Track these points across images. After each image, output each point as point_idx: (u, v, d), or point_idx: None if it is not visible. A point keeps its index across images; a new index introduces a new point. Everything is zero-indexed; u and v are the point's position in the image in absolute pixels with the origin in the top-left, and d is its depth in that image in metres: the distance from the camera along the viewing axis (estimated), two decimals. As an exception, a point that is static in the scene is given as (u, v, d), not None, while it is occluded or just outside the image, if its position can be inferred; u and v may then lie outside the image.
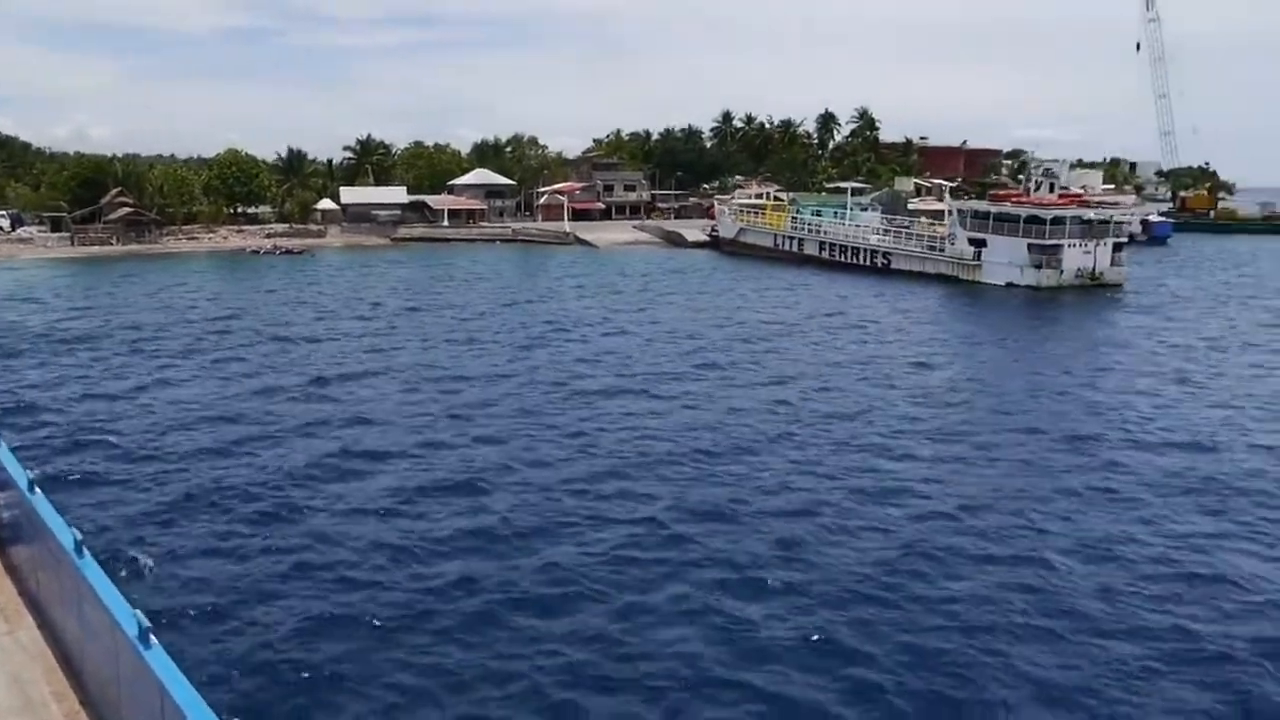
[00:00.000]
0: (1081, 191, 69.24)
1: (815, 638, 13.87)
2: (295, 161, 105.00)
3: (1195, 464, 22.28)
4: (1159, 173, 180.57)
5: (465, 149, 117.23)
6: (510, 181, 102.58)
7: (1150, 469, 21.89)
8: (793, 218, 77.57)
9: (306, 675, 12.65)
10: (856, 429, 25.28)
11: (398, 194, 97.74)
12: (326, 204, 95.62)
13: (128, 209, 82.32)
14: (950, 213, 65.06)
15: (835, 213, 78.96)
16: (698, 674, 12.85)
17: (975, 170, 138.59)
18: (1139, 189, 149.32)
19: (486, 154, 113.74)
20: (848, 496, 19.92)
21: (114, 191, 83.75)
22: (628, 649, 13.45)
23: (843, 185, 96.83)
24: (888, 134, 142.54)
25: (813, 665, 13.13)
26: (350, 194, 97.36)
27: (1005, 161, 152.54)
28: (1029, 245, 57.60)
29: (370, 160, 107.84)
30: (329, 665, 12.86)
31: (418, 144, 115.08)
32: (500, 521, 18.20)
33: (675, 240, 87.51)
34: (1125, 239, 61.30)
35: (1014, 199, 62.05)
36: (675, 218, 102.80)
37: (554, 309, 48.51)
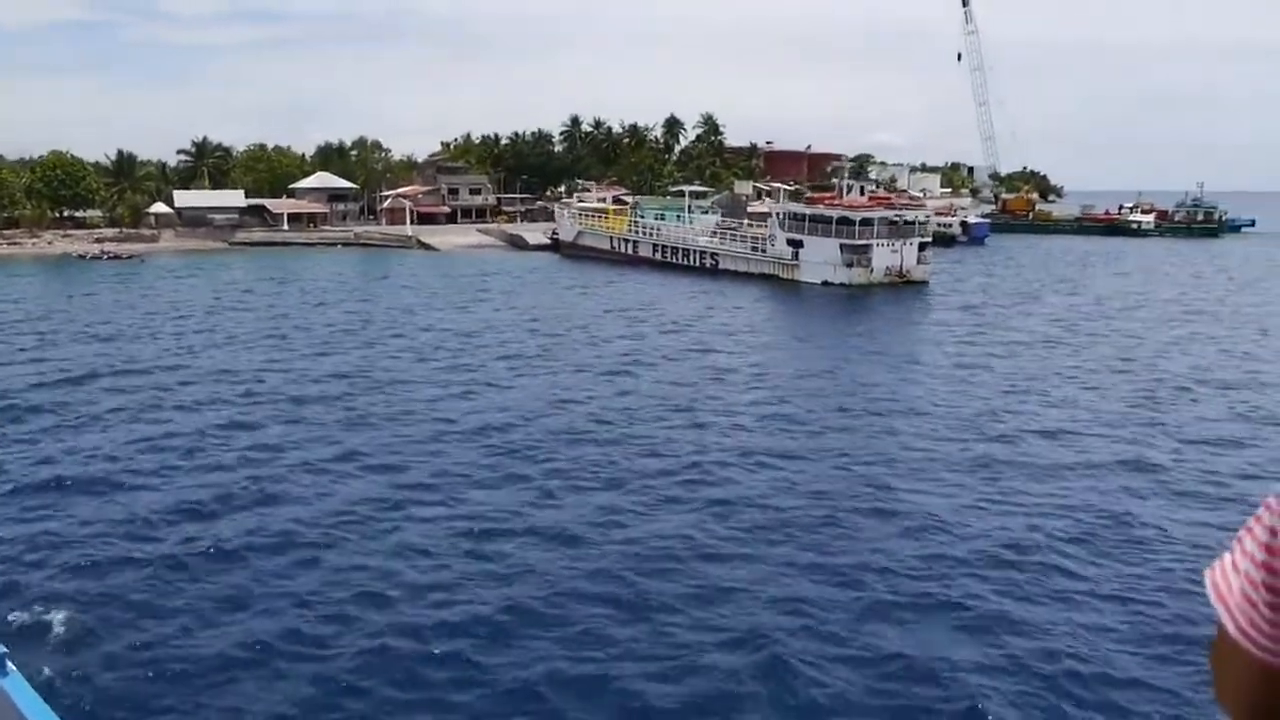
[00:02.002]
0: (890, 194, 73.31)
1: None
2: (126, 164, 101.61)
3: (972, 441, 24.61)
4: (994, 176, 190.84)
5: (316, 151, 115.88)
6: (353, 185, 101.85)
7: (934, 446, 24.09)
8: (632, 221, 79.74)
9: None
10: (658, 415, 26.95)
11: (235, 197, 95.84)
12: (160, 208, 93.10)
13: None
14: (770, 215, 68.08)
15: (677, 216, 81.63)
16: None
17: (818, 174, 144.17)
18: (974, 192, 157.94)
19: (330, 157, 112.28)
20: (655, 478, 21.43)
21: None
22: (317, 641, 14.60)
23: (686, 189, 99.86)
24: (735, 139, 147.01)
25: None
26: (185, 197, 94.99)
27: (848, 166, 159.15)
28: (841, 245, 60.92)
29: (207, 163, 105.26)
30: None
31: (259, 146, 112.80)
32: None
33: (518, 243, 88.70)
34: (929, 239, 65.25)
35: (827, 201, 65.46)
36: (522, 221, 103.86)
37: (369, 308, 49.11)
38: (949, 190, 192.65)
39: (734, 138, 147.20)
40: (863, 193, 66.20)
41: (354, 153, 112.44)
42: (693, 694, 12.31)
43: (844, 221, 61.40)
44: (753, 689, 12.40)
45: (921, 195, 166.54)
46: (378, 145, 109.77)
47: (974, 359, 36.83)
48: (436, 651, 13.33)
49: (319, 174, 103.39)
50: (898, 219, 63.07)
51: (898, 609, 14.77)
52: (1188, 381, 32.30)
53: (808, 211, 63.93)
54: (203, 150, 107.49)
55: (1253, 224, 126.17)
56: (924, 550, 17.08)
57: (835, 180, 74.24)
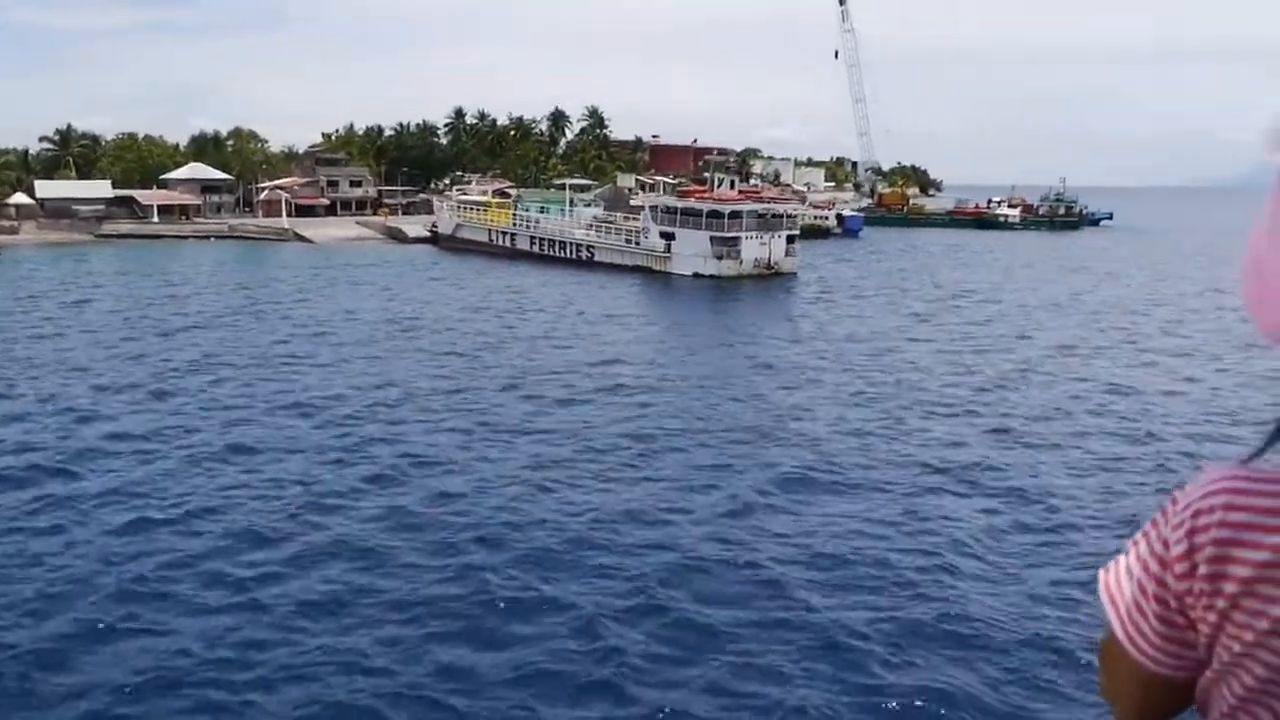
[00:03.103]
0: (759, 189, 75.16)
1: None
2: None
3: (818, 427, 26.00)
4: (877, 171, 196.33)
5: (190, 141, 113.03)
6: (228, 176, 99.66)
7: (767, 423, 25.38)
8: (515, 215, 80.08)
9: None
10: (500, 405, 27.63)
11: (102, 188, 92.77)
12: (20, 199, 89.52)
13: None
14: (644, 208, 69.31)
15: (560, 209, 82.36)
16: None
17: (704, 168, 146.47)
18: (857, 186, 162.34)
19: (205, 147, 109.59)
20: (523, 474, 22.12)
21: None
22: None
23: (571, 182, 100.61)
24: (623, 133, 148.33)
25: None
26: (47, 188, 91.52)
27: (716, 160, 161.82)
28: (711, 238, 62.48)
29: (73, 151, 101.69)
30: None
31: (129, 136, 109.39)
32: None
33: (397, 236, 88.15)
34: (797, 232, 67.31)
35: (698, 195, 67.00)
36: (404, 213, 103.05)
37: (225, 300, 48.63)
38: (833, 184, 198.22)
39: (622, 132, 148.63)
40: (733, 186, 67.91)
41: (230, 143, 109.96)
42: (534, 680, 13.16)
43: (714, 215, 62.96)
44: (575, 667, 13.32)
45: (806, 189, 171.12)
46: (254, 135, 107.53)
47: (820, 343, 38.69)
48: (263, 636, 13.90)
49: (192, 165, 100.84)
50: (766, 212, 64.92)
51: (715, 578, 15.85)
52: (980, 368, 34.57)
53: (679, 205, 65.32)
54: (67, 138, 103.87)
55: (1110, 217, 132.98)
56: (746, 524, 18.26)
57: (705, 174, 75.79)
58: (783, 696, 12.13)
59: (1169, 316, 47.94)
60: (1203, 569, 0.98)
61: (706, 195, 66.53)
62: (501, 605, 14.54)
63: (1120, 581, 1.08)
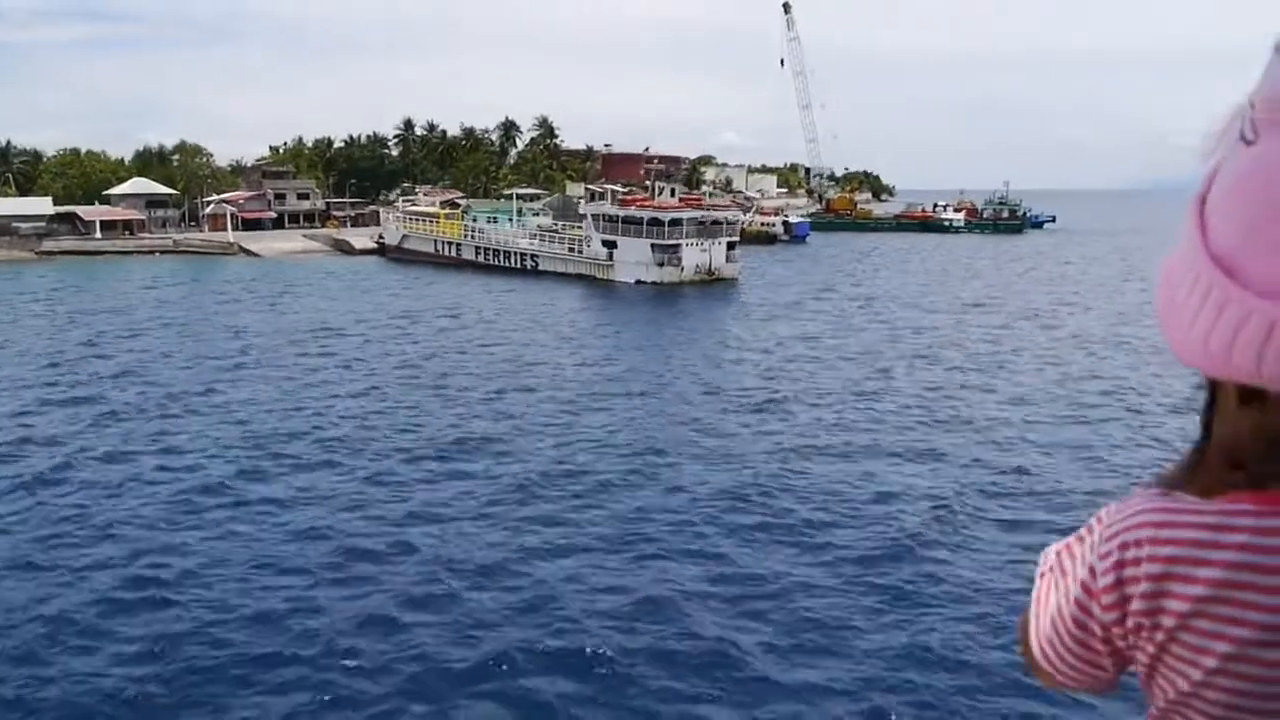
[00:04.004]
0: (699, 196, 76.08)
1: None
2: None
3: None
4: (830, 177, 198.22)
5: (135, 156, 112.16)
6: (173, 191, 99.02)
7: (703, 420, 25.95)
8: (465, 225, 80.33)
9: None
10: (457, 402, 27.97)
11: (42, 204, 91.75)
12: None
13: None
14: (586, 217, 69.93)
15: (509, 219, 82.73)
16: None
17: (665, 176, 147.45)
18: (810, 192, 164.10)
19: (150, 162, 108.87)
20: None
21: None
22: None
23: (519, 192, 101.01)
24: (575, 141, 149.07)
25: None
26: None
27: (685, 168, 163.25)
28: (652, 245, 63.18)
29: (12, 168, 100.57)
30: None
31: (72, 151, 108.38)
32: None
33: (344, 248, 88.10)
34: (737, 238, 68.15)
35: (639, 203, 67.68)
36: (353, 225, 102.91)
37: (156, 313, 48.58)
38: (785, 190, 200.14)
39: (575, 141, 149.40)
40: (673, 194, 68.72)
41: (175, 157, 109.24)
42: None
43: (654, 222, 63.66)
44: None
45: (759, 196, 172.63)
46: (198, 149, 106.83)
47: (755, 345, 39.59)
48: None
49: (136, 180, 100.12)
50: (706, 219, 65.75)
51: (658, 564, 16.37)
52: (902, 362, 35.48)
53: (620, 213, 65.94)
54: (7, 154, 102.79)
55: (1053, 220, 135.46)
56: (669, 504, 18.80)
57: (647, 183, 76.50)
58: None
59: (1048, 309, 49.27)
60: (1136, 604, 0.96)
61: (647, 203, 67.24)
62: (430, 607, 14.87)
63: (1049, 592, 1.08)
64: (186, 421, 26.86)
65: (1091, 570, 0.99)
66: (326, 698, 12.30)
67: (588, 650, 13.47)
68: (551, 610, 14.74)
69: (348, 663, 13.11)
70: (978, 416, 27.27)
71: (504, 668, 13.05)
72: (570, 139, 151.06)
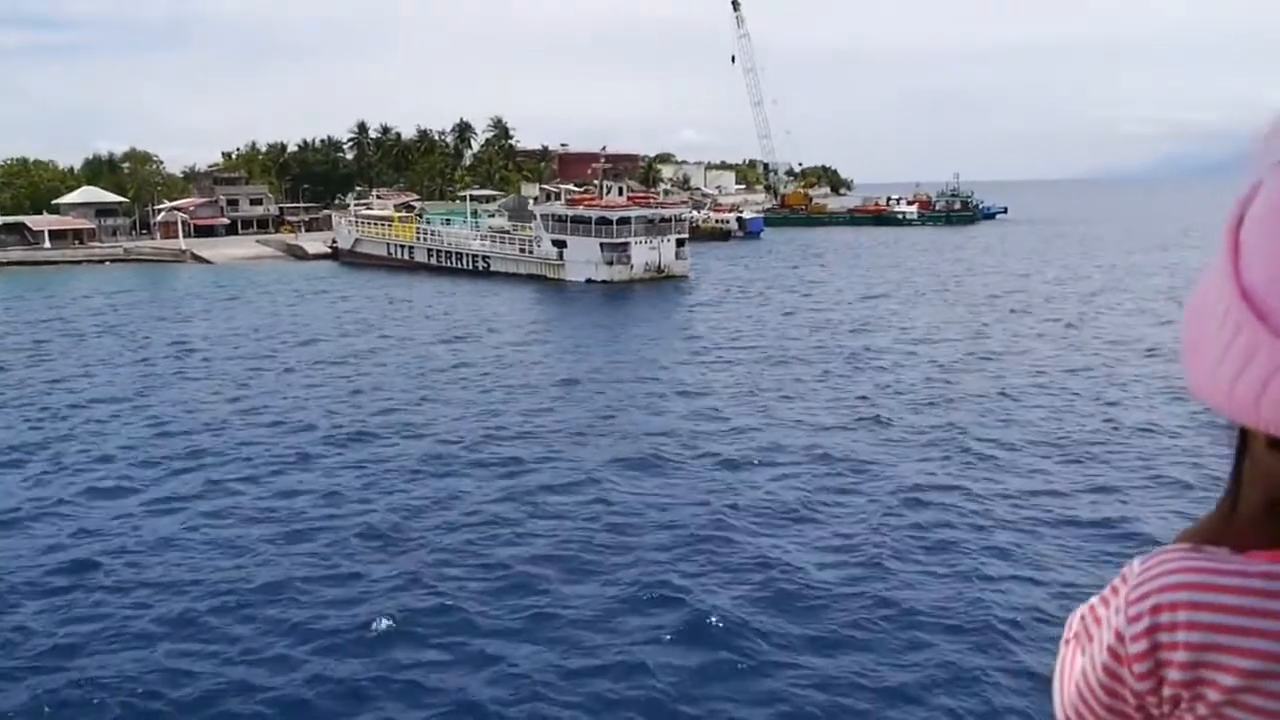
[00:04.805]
0: (648, 194, 76.81)
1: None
2: None
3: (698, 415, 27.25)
4: (789, 172, 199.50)
5: (84, 164, 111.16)
6: (124, 199, 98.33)
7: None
8: (419, 228, 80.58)
9: None
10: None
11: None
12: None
13: None
14: (536, 218, 70.46)
15: (464, 220, 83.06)
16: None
17: (613, 175, 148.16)
18: (769, 188, 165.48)
19: (100, 170, 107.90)
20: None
21: None
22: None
23: (473, 193, 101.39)
24: (532, 141, 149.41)
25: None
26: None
27: (641, 166, 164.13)
28: (601, 244, 63.82)
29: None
30: None
31: (19, 160, 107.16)
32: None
33: (297, 253, 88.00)
34: (686, 235, 68.82)
35: (587, 203, 68.32)
36: (307, 230, 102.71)
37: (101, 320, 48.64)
38: (744, 187, 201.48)
39: (533, 141, 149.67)
40: (622, 193, 69.40)
41: (126, 165, 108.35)
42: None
43: (603, 221, 64.30)
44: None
45: (717, 192, 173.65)
46: (148, 157, 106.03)
47: (703, 342, 40.47)
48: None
49: (85, 188, 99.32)
50: (654, 217, 66.49)
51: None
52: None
53: (569, 213, 66.55)
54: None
55: (1005, 211, 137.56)
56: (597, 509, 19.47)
57: (595, 182, 77.05)
58: None
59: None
60: (1174, 674, 0.88)
61: (595, 203, 67.86)
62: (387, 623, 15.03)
63: (1070, 663, 1.01)
64: (115, 425, 27.27)
65: (1119, 635, 0.90)
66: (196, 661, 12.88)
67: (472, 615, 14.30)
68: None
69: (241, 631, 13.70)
70: (900, 402, 28.18)
71: (378, 630, 13.93)
72: (530, 139, 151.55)
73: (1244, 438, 0.90)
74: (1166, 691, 0.89)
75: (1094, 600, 0.98)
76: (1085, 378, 31.02)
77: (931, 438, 24.22)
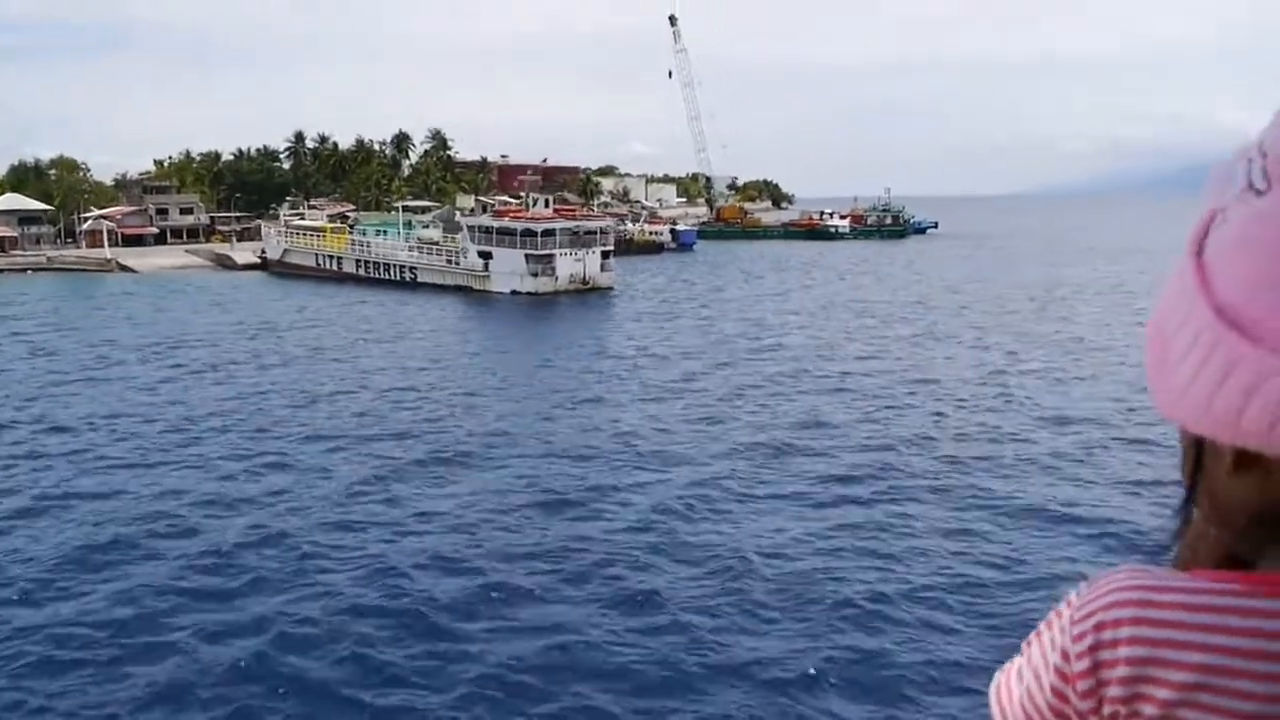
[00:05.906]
0: (573, 206, 77.66)
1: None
2: None
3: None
4: (730, 186, 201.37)
5: (9, 171, 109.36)
6: (48, 207, 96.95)
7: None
8: (352, 239, 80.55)
9: None
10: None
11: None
12: None
13: None
14: (462, 229, 70.93)
15: (398, 231, 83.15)
16: None
17: (553, 187, 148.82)
18: (709, 202, 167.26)
19: (26, 177, 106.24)
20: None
21: None
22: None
23: (406, 204, 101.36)
24: (472, 153, 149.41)
25: None
26: None
27: (580, 178, 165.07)
28: (526, 256, 64.46)
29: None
30: None
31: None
32: None
33: (225, 263, 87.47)
34: (611, 247, 69.63)
35: (512, 214, 68.98)
36: (239, 240, 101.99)
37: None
38: (685, 200, 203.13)
39: (473, 152, 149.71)
40: (547, 205, 70.11)
41: (52, 172, 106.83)
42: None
43: (528, 233, 64.95)
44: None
45: (658, 205, 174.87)
46: (74, 164, 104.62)
47: (611, 349, 41.36)
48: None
49: (8, 195, 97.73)
50: (579, 229, 67.32)
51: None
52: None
53: (495, 225, 67.12)
54: None
55: (936, 226, 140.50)
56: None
57: (522, 194, 77.72)
58: None
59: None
60: (1114, 690, 0.86)
61: (520, 214, 68.51)
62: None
63: (1010, 687, 0.98)
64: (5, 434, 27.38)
65: (1065, 654, 0.90)
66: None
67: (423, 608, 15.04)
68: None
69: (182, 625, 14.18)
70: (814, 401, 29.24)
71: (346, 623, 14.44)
72: (471, 151, 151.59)
73: (1198, 455, 0.89)
74: (1106, 710, 0.88)
75: (1040, 625, 0.97)
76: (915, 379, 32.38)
77: (827, 433, 25.27)
